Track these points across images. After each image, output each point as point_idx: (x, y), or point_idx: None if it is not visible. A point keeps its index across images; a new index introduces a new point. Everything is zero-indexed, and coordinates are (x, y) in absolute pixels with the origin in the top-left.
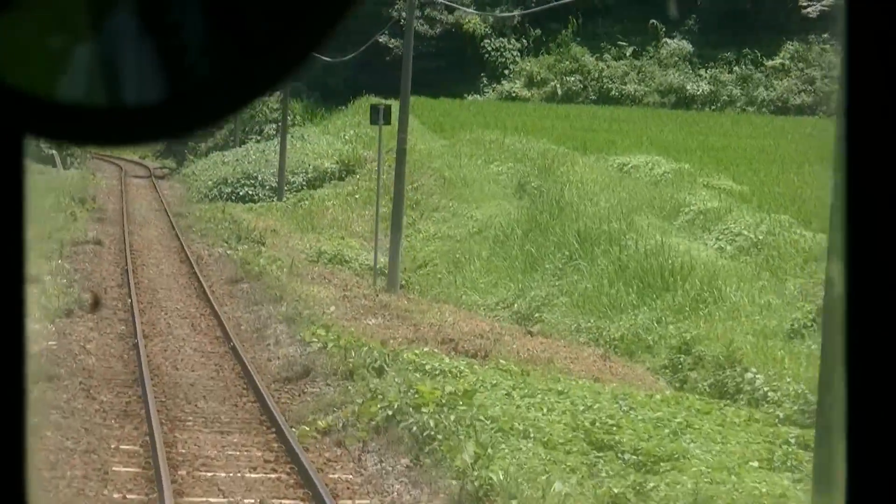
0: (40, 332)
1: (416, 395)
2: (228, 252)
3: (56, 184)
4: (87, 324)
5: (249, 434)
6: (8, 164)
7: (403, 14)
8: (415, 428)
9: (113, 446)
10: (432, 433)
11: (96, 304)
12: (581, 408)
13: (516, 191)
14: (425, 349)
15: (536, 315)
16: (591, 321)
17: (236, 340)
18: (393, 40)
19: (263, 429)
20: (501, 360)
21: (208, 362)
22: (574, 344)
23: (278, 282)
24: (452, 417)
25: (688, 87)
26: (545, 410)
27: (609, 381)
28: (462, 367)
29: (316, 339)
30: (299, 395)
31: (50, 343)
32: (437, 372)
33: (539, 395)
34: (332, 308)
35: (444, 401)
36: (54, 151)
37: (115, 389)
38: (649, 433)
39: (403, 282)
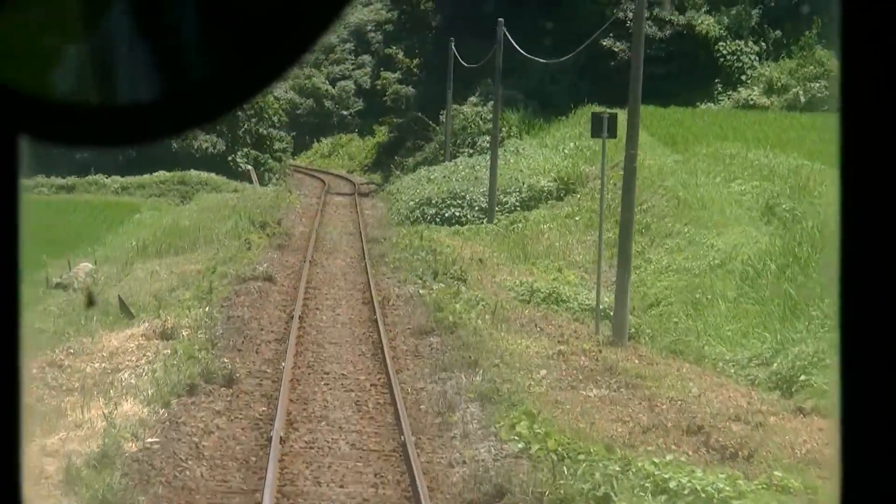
0: (146, 421)
1: None
2: (421, 291)
3: (244, 204)
4: (215, 405)
5: None
6: (1, 165)
7: (630, 14)
8: None
9: None
10: None
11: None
12: None
13: (763, 214)
14: (668, 457)
15: (802, 378)
16: None
17: (409, 432)
18: (618, 43)
19: None
20: (776, 472)
21: (366, 470)
22: None
23: (476, 336)
24: None
25: None
26: None
27: None
28: (721, 486)
29: (516, 438)
30: None
31: (150, 441)
32: (685, 493)
33: None
34: (543, 372)
35: None
36: (251, 167)
37: None
38: None
39: (632, 329)
